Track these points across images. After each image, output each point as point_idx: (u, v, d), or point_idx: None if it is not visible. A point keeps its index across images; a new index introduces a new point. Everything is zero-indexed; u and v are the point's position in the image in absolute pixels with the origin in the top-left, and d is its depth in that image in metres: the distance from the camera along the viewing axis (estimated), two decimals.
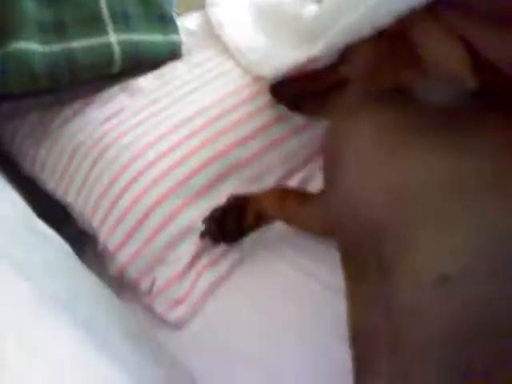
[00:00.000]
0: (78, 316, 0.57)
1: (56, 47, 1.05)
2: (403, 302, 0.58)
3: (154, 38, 1.18)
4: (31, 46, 1.02)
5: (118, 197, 1.00)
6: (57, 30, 1.07)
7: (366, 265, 0.66)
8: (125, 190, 1.00)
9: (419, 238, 0.60)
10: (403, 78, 0.79)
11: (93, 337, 0.55)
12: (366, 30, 0.79)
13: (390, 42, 0.86)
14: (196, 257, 0.96)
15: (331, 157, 0.78)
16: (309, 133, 1.08)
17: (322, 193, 0.87)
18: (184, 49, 1.24)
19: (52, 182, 1.09)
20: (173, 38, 1.21)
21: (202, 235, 0.94)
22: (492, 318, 0.52)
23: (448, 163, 0.64)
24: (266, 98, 1.06)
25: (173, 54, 1.20)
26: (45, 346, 0.48)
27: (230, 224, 0.92)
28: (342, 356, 0.73)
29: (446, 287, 0.56)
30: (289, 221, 0.91)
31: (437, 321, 0.55)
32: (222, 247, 0.97)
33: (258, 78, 1.07)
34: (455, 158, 0.64)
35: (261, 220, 0.93)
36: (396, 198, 0.65)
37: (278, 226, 0.97)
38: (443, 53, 0.75)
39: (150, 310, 0.93)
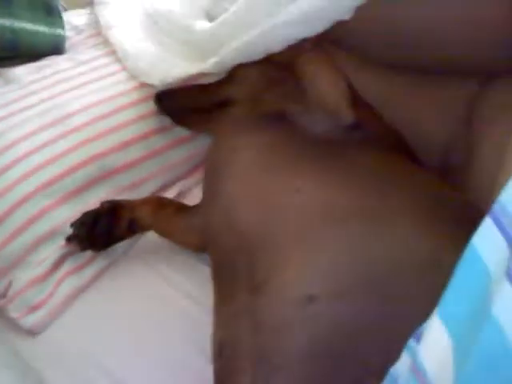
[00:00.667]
0: None
1: None
2: (270, 317, 0.60)
3: (36, 28, 1.12)
4: None
5: None
6: None
7: (237, 280, 0.67)
8: None
9: (290, 257, 0.62)
10: (286, 106, 0.82)
11: None
12: (259, 53, 0.81)
13: (277, 70, 0.89)
14: (59, 261, 0.91)
15: (213, 171, 0.79)
16: (189, 146, 1.07)
17: (199, 206, 0.88)
18: (68, 44, 1.19)
19: None
20: (57, 31, 1.16)
21: (69, 239, 0.90)
22: (353, 336, 0.56)
23: (322, 189, 0.67)
24: (149, 105, 1.04)
25: (56, 47, 1.15)
26: None
27: (101, 230, 0.88)
28: (203, 371, 0.74)
29: (311, 306, 0.58)
30: (163, 232, 0.90)
31: (300, 337, 0.57)
32: (88, 253, 0.93)
33: (143, 85, 1.06)
34: (329, 186, 0.68)
35: (134, 229, 0.90)
36: (271, 216, 0.67)
37: (149, 237, 0.96)
38: (325, 86, 0.80)
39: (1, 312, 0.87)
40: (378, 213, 0.64)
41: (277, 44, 0.79)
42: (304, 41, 0.79)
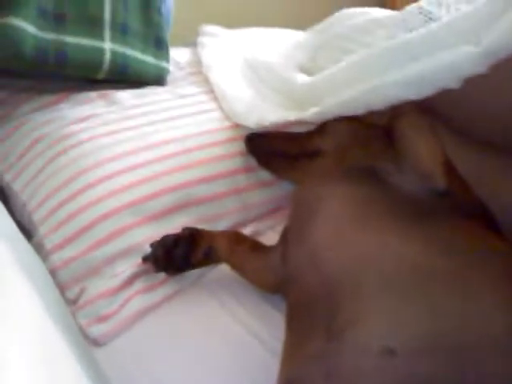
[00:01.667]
0: None
1: (50, 35, 1.04)
2: (346, 366, 0.60)
3: (145, 57, 1.19)
4: (26, 26, 1.00)
5: (70, 198, 0.97)
6: (56, 19, 1.06)
7: (314, 324, 0.67)
8: (78, 193, 0.97)
9: (372, 308, 0.63)
10: (376, 162, 0.83)
11: None
12: (360, 109, 0.84)
13: (366, 129, 0.92)
14: (133, 278, 0.94)
15: (300, 216, 0.81)
16: (270, 190, 1.10)
17: (276, 247, 0.89)
18: (169, 78, 1.25)
19: (2, 165, 1.05)
20: (162, 63, 1.23)
21: (146, 259, 0.93)
22: None
23: (410, 247, 0.68)
24: (239, 145, 1.08)
25: (159, 78, 1.22)
26: None
27: (178, 254, 0.91)
28: None
29: (389, 359, 0.58)
30: (236, 266, 0.92)
31: None
32: (161, 275, 0.95)
33: (236, 125, 1.10)
34: (417, 244, 0.68)
35: (209, 258, 0.92)
36: (358, 265, 0.68)
37: (221, 271, 0.97)
38: (423, 150, 0.81)
39: None
40: (464, 278, 0.64)
41: (380, 102, 0.81)
42: (405, 103, 0.82)
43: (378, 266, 0.67)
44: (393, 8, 1.97)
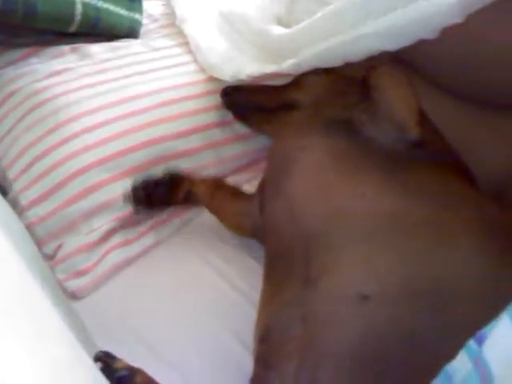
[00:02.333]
0: None
1: None
2: (322, 311, 0.62)
3: (117, 10, 1.16)
4: None
5: (44, 154, 0.96)
6: None
7: (291, 271, 0.69)
8: (52, 148, 0.96)
9: (348, 256, 0.64)
10: (352, 114, 0.84)
11: None
12: (337, 61, 0.84)
13: (343, 82, 0.92)
14: (110, 233, 0.94)
15: (278, 168, 0.81)
16: (245, 143, 1.10)
17: (254, 197, 0.90)
18: (142, 31, 1.23)
19: None
20: (135, 16, 1.20)
21: (127, 199, 0.93)
22: (403, 336, 0.57)
23: (386, 197, 0.69)
24: (214, 99, 1.07)
25: (131, 31, 1.19)
26: None
27: (159, 196, 0.92)
28: (241, 358, 0.75)
29: (364, 305, 0.60)
30: (215, 210, 0.93)
31: (351, 334, 0.59)
32: (138, 229, 0.95)
33: (210, 78, 1.09)
34: (393, 194, 0.69)
35: (189, 202, 0.93)
36: (335, 216, 0.69)
37: (198, 222, 0.98)
38: (397, 100, 0.81)
39: None
40: (438, 226, 0.66)
41: (357, 54, 0.81)
42: (381, 55, 0.81)
43: (355, 216, 0.69)
44: None
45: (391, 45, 0.76)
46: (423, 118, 0.83)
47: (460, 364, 0.46)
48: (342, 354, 0.58)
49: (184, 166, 1.02)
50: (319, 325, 0.61)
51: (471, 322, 0.49)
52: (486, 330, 0.46)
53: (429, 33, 0.72)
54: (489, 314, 0.47)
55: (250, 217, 0.88)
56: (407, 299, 0.59)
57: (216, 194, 0.92)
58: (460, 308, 0.58)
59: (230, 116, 1.05)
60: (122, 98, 1.02)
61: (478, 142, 0.92)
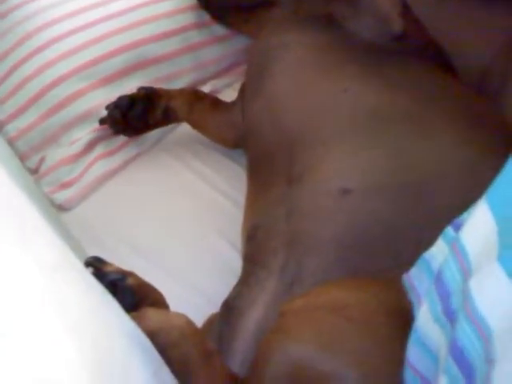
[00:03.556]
0: None
1: None
2: (305, 205, 0.63)
3: None
4: None
5: (17, 65, 0.94)
6: None
7: (274, 172, 0.69)
8: (25, 59, 0.94)
9: (330, 152, 0.65)
10: (333, 9, 0.81)
11: None
12: None
13: None
14: (92, 144, 0.93)
15: (258, 67, 0.79)
16: (225, 45, 1.06)
17: (236, 102, 0.89)
18: None
19: None
20: None
21: (103, 121, 0.91)
22: (385, 226, 0.59)
23: (369, 91, 0.69)
24: None
25: None
26: None
27: (135, 115, 0.89)
28: (231, 260, 0.77)
29: (346, 198, 0.61)
30: (197, 124, 0.91)
31: (334, 225, 0.60)
32: (120, 139, 0.94)
33: None
34: (375, 89, 0.69)
35: (168, 118, 0.91)
36: (317, 112, 0.69)
37: (181, 131, 0.97)
38: None
39: None
40: (421, 119, 0.66)
41: None
42: None
43: (338, 111, 0.68)
44: None
45: None
46: (405, 11, 0.81)
47: (437, 250, 0.47)
48: (325, 244, 0.60)
49: (163, 71, 1.00)
50: (303, 219, 0.62)
51: (452, 212, 0.50)
52: (463, 216, 0.47)
53: None
54: (468, 202, 0.48)
55: (232, 127, 0.87)
56: (388, 191, 0.61)
57: (195, 107, 0.90)
58: (440, 199, 0.60)
59: (207, 17, 1.02)
60: (94, 2, 0.98)
61: (460, 35, 0.90)
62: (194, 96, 0.91)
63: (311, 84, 0.71)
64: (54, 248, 0.46)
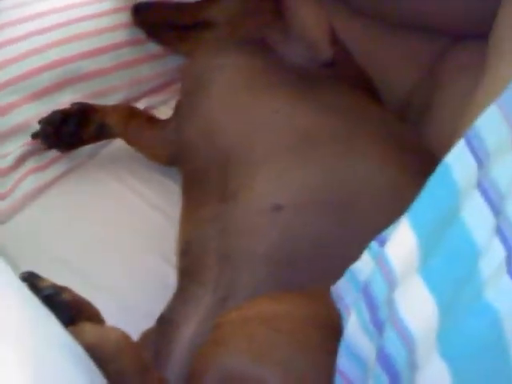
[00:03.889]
0: None
1: None
2: (238, 221, 0.66)
3: None
4: None
5: None
6: None
7: (208, 189, 0.71)
8: None
9: (262, 171, 0.68)
10: (266, 33, 0.85)
11: None
12: None
13: (257, 1, 0.92)
14: (23, 158, 0.92)
15: (191, 87, 0.82)
16: (159, 63, 1.07)
17: (171, 120, 0.90)
18: None
19: None
20: None
21: (35, 136, 0.90)
22: (313, 242, 0.62)
23: (299, 113, 0.72)
24: (125, 16, 1.03)
25: None
26: None
27: (69, 131, 0.89)
28: (166, 276, 0.78)
29: (278, 215, 0.64)
30: (131, 141, 0.92)
31: (266, 241, 0.63)
32: (52, 153, 0.93)
33: None
34: (305, 111, 0.73)
35: (101, 134, 0.92)
36: (248, 132, 0.72)
37: (115, 146, 0.97)
38: (309, 19, 0.83)
39: None
40: (349, 141, 0.70)
41: None
42: None
43: (269, 131, 0.71)
44: None
45: None
46: (334, 38, 0.86)
47: (363, 263, 0.51)
48: (257, 260, 0.62)
49: (96, 87, 1.00)
50: (236, 235, 0.65)
51: (375, 227, 0.54)
52: (387, 232, 0.51)
53: None
54: (391, 220, 0.52)
55: (166, 144, 0.88)
56: (317, 208, 0.64)
57: (130, 123, 0.90)
58: (365, 216, 0.64)
59: (142, 34, 1.03)
60: (24, 16, 0.97)
61: (384, 61, 0.96)
62: (128, 112, 0.92)
63: (244, 105, 0.74)
64: None
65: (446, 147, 0.47)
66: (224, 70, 0.79)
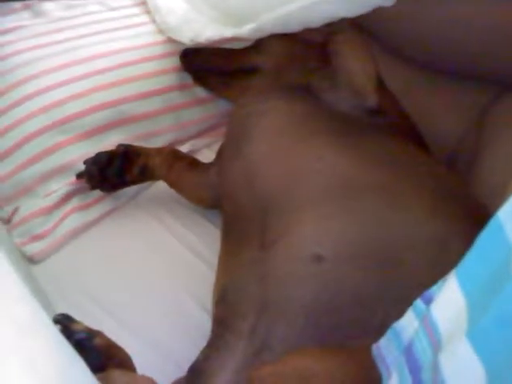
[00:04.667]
0: None
1: None
2: (277, 270, 0.63)
3: None
4: None
5: None
6: None
7: (248, 234, 0.70)
8: (6, 110, 0.95)
9: (304, 219, 0.66)
10: (311, 80, 0.84)
11: None
12: (297, 26, 0.83)
13: (302, 48, 0.92)
14: (67, 196, 0.93)
15: (237, 131, 0.81)
16: (205, 108, 1.09)
17: (214, 164, 0.90)
18: None
19: None
20: None
21: (80, 176, 0.91)
22: (354, 295, 0.59)
23: (342, 161, 0.71)
24: (173, 61, 1.05)
25: None
26: None
27: (113, 172, 0.90)
28: (201, 321, 0.76)
29: (318, 265, 0.62)
30: (174, 183, 0.92)
31: (306, 292, 0.61)
32: (96, 194, 0.94)
33: (169, 40, 1.07)
34: (349, 158, 0.71)
35: (145, 176, 0.92)
36: (292, 179, 0.70)
37: (157, 188, 0.98)
38: (356, 67, 0.82)
39: None
40: (393, 191, 0.68)
41: (316, 20, 0.80)
42: (341, 21, 0.81)
43: (312, 178, 0.70)
44: None
45: (348, 12, 0.76)
46: (381, 86, 0.85)
47: (407, 322, 0.48)
48: (295, 311, 0.60)
49: (142, 129, 1.01)
50: (274, 284, 0.63)
51: (420, 283, 0.51)
52: (433, 289, 0.48)
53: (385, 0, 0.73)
54: (437, 275, 0.50)
55: (208, 188, 0.88)
56: (359, 260, 0.62)
57: (173, 166, 0.90)
58: (409, 269, 0.61)
59: (189, 79, 1.05)
60: (79, 58, 1.00)
61: (433, 110, 0.94)
62: (172, 155, 0.92)
63: (287, 150, 0.73)
64: (24, 303, 0.45)
65: (497, 199, 0.45)
66: (268, 114, 0.79)
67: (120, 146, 0.92)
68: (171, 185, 0.92)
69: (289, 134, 0.75)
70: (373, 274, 0.61)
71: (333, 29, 0.84)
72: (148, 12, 1.13)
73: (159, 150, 0.93)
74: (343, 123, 0.77)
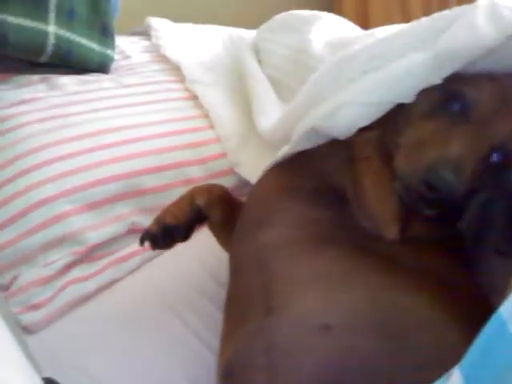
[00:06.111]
0: None
1: None
2: (285, 340, 0.62)
3: (90, 44, 1.17)
4: None
5: (5, 183, 0.95)
6: None
7: (253, 304, 0.69)
8: (13, 178, 0.96)
9: (310, 288, 0.66)
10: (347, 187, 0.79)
11: None
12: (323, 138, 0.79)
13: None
14: (67, 267, 0.92)
15: (256, 216, 0.80)
16: (220, 180, 1.08)
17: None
18: (113, 67, 1.24)
19: None
20: (107, 51, 1.21)
21: (146, 233, 0.82)
22: (363, 366, 0.58)
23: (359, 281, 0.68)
24: (185, 138, 1.08)
25: (102, 66, 1.20)
26: None
27: (178, 238, 0.83)
28: None
29: (326, 334, 0.61)
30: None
31: (314, 363, 0.59)
32: (97, 265, 0.94)
33: (180, 118, 1.10)
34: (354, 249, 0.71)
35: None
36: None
37: (162, 258, 0.97)
38: (373, 201, 0.77)
39: None
40: (394, 273, 0.68)
41: (341, 129, 0.75)
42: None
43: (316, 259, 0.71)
44: (340, 11, 2.02)
45: (369, 115, 0.72)
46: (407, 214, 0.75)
47: None
48: (303, 379, 0.58)
49: (153, 202, 1.01)
50: (282, 355, 0.61)
51: (425, 362, 0.51)
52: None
53: (404, 97, 0.70)
54: (441, 354, 0.49)
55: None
56: (368, 330, 0.61)
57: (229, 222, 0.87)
58: (416, 347, 0.60)
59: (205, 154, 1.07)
60: (92, 131, 1.03)
61: None
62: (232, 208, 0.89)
63: (303, 260, 0.71)
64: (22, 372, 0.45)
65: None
66: (289, 212, 0.77)
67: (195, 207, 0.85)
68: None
69: (306, 243, 0.72)
70: (380, 345, 0.60)
71: (359, 153, 0.79)
72: (159, 91, 1.17)
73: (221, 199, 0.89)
74: (365, 244, 0.73)
